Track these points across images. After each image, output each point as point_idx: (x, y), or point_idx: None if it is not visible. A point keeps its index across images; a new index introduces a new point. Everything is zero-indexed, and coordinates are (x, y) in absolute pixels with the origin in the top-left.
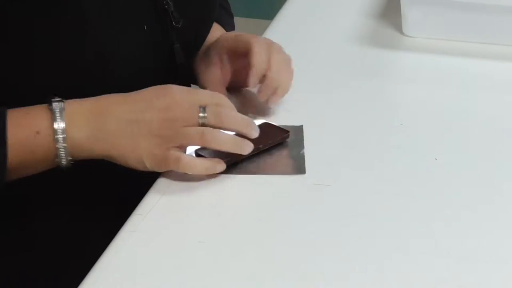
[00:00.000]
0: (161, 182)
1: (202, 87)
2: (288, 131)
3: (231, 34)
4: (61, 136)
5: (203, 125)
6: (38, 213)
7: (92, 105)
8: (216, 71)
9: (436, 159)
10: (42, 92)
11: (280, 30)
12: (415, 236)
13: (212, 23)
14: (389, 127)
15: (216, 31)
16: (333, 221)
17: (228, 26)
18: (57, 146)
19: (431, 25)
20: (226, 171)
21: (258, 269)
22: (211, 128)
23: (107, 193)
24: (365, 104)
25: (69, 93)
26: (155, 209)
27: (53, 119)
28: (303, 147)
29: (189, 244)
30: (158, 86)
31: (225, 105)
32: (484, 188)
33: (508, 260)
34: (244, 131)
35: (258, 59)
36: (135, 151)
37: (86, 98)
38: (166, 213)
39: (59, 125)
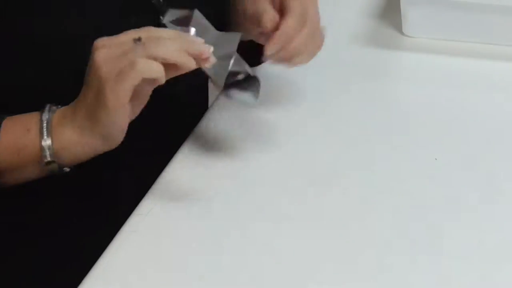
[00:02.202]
0: (161, 182)
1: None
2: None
3: None
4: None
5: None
6: (36, 209)
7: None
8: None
9: (436, 159)
10: (23, 87)
11: None
12: (415, 236)
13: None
14: (389, 127)
15: None
16: (333, 221)
17: None
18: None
19: (431, 25)
20: None
21: (258, 269)
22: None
23: (107, 192)
24: (365, 104)
25: (54, 88)
26: (155, 209)
27: (41, 135)
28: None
29: (189, 244)
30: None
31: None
32: (484, 188)
33: (508, 260)
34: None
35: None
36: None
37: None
38: (166, 213)
39: (46, 142)
